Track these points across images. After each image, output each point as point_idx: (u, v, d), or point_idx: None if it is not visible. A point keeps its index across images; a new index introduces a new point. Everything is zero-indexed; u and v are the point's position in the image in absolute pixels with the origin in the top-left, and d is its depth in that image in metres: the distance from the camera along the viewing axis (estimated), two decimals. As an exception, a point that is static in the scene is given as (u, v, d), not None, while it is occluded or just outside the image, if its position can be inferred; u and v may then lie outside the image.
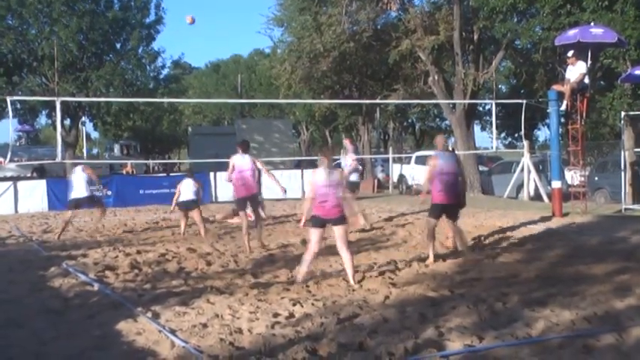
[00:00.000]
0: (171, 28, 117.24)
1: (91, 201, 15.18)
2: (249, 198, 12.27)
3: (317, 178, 8.57)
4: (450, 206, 10.49)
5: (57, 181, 24.06)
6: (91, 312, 7.21)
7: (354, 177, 14.86)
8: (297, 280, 8.62)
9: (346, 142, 16.76)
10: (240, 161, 12.10)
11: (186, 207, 14.26)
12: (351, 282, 8.45)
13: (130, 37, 31.22)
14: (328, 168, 8.58)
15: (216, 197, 23.69)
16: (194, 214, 14.14)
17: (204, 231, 13.91)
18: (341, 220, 8.54)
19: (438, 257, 10.39)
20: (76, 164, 17.24)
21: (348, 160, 15.20)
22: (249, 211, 12.58)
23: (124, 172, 33.43)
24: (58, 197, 21.86)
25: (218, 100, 58.56)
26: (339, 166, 14.60)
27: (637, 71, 17.52)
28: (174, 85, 37.63)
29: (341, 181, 8.64)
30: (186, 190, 14.26)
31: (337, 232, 8.57)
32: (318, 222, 8.59)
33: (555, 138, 17.29)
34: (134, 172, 33.75)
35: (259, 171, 12.67)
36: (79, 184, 14.54)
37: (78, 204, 14.77)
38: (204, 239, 13.36)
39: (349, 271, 8.57)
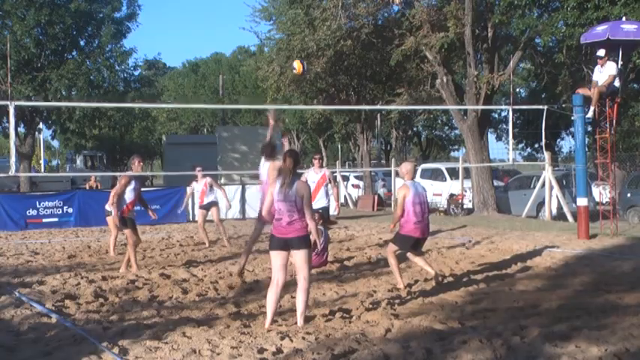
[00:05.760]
0: (142, 23, 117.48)
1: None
2: None
3: (271, 188, 8.16)
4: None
5: (10, 197, 24.05)
6: (48, 348, 7.17)
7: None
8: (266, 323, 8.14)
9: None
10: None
11: None
12: (298, 322, 8.04)
13: (97, 33, 31.21)
14: (286, 177, 8.05)
15: (193, 216, 23.68)
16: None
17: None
18: (301, 242, 8.01)
19: (446, 284, 10.42)
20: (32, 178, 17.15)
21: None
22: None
23: (87, 186, 33.41)
24: (11, 215, 21.86)
25: (197, 105, 58.70)
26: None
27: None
28: (146, 89, 37.67)
29: (305, 195, 8.02)
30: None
31: (295, 257, 8.08)
32: (275, 243, 8.09)
33: (581, 149, 17.34)
34: (99, 186, 33.64)
35: None
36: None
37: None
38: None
39: (299, 307, 8.10)
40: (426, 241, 11.15)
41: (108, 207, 14.58)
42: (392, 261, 10.64)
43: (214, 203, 17.37)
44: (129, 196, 12.63)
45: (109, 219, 14.80)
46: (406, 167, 10.94)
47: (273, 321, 8.13)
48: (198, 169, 17.50)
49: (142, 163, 13.29)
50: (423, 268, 11.01)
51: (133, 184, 12.70)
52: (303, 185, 8.15)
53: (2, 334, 7.86)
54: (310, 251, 8.15)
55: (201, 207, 17.43)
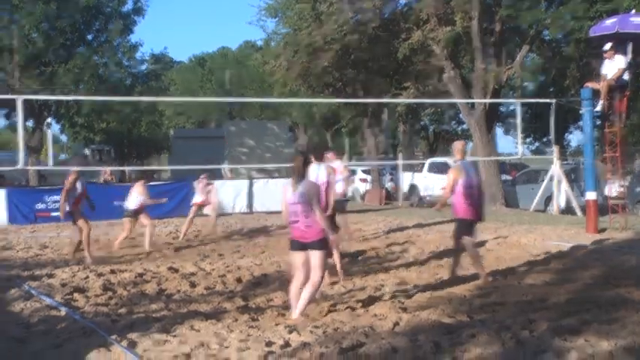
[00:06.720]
0: (149, 17, 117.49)
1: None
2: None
3: (285, 191, 8.11)
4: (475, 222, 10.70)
5: (19, 190, 24.07)
6: (58, 340, 7.18)
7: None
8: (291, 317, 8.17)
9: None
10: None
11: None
12: (295, 313, 8.02)
13: (105, 27, 31.24)
14: (298, 178, 8.04)
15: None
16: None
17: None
18: (319, 244, 8.03)
19: (455, 278, 10.41)
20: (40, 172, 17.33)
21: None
22: None
23: (102, 180, 33.28)
24: (20, 209, 21.88)
25: (203, 98, 58.69)
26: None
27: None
28: (153, 82, 37.71)
29: (314, 195, 7.97)
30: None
31: (311, 257, 8.05)
32: (294, 245, 8.16)
33: (589, 143, 17.28)
34: (113, 179, 33.59)
35: None
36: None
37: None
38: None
39: (301, 301, 8.04)
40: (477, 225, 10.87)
41: (127, 205, 15.05)
42: (473, 251, 10.54)
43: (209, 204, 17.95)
44: (78, 191, 13.42)
45: (126, 220, 15.15)
46: (457, 146, 10.83)
47: (281, 314, 8.17)
48: (202, 175, 17.97)
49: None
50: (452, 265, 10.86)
51: (80, 180, 13.56)
52: (312, 185, 8.15)
53: (13, 326, 7.89)
54: (326, 253, 8.20)
55: (195, 204, 17.83)
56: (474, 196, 10.47)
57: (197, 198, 17.82)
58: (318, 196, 8.11)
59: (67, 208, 13.36)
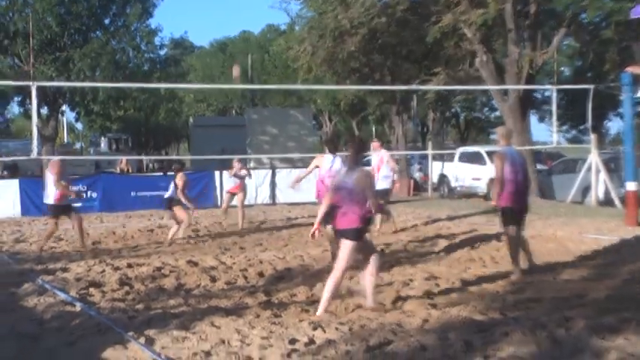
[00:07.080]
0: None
1: None
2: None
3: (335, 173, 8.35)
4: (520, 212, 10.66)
5: (32, 181, 24.23)
6: (72, 337, 7.21)
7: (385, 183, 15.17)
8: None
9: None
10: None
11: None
12: (318, 312, 7.98)
13: (122, 11, 31.31)
14: (351, 165, 8.14)
15: (222, 201, 23.75)
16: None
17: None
18: (349, 234, 8.00)
19: (488, 273, 10.35)
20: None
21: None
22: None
23: (119, 169, 33.46)
24: (33, 200, 22.02)
25: (225, 85, 58.78)
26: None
27: None
28: (172, 68, 37.82)
29: (367, 185, 7.95)
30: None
31: (341, 245, 8.11)
32: (336, 233, 8.36)
33: (630, 131, 17.11)
34: (130, 169, 33.76)
35: None
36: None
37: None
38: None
39: (323, 295, 8.06)
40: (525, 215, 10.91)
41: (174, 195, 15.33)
42: (514, 243, 10.52)
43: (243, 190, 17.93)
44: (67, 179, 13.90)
45: (177, 209, 15.35)
46: (501, 131, 10.86)
47: (305, 310, 8.17)
48: (235, 160, 18.26)
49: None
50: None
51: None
52: (364, 175, 8.08)
53: (26, 322, 7.93)
54: (357, 245, 8.10)
55: (229, 192, 18.28)
56: (519, 183, 10.45)
57: (229, 184, 18.15)
58: (372, 185, 8.13)
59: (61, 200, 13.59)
